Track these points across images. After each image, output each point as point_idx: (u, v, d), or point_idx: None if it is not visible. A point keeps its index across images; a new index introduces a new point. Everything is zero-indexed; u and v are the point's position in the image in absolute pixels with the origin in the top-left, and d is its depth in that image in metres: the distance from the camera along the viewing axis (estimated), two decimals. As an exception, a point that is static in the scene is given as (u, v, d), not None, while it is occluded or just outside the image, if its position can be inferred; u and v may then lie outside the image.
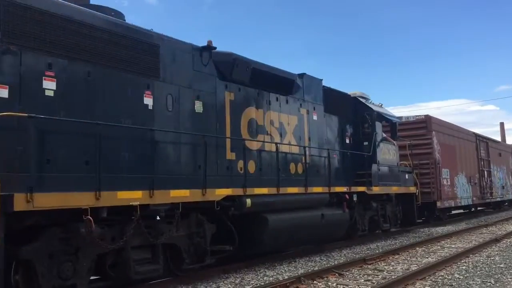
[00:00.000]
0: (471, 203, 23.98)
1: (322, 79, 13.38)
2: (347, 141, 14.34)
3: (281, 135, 11.37)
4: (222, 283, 8.66)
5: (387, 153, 15.32)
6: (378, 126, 15.02)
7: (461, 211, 26.14)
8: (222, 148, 9.58)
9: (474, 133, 25.79)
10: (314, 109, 12.87)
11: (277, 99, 11.40)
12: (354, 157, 14.17)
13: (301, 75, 12.57)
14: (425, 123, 19.79)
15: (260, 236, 9.77)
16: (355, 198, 13.28)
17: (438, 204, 19.51)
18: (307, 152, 12.22)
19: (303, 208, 11.14)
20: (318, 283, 8.49)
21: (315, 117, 12.87)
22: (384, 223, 15.43)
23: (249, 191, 9.41)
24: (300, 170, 11.87)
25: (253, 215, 9.72)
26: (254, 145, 10.48)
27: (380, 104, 16.02)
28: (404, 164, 17.76)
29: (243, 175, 9.80)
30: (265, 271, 9.76)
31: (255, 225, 9.78)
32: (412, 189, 16.80)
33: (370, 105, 15.03)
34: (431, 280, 8.61)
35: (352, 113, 14.81)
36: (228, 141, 9.70)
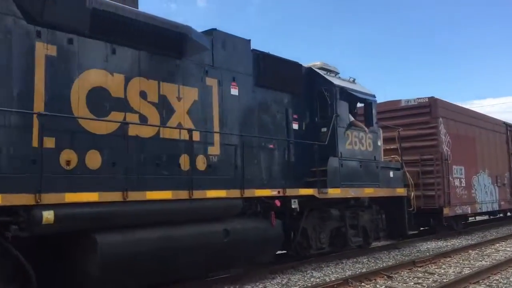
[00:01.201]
0: (497, 209, 19.40)
1: (250, 40, 9.66)
2: (295, 126, 10.52)
3: (162, 115, 7.75)
4: (268, 283, 8.65)
5: (358, 144, 11.37)
6: (343, 106, 11.10)
7: (486, 217, 21.55)
8: (22, 129, 6.05)
9: (504, 122, 21.12)
10: (234, 80, 9.16)
11: (151, 60, 7.78)
12: (304, 148, 10.34)
13: (209, 32, 8.92)
14: (429, 108, 15.53)
15: (83, 271, 6.16)
16: (294, 205, 9.45)
17: (446, 211, 15.25)
18: (215, 140, 8.59)
19: (189, 222, 7.47)
20: (366, 285, 8.30)
21: (234, 92, 9.15)
22: (356, 236, 11.49)
23: (50, 198, 5.80)
24: (201, 166, 8.21)
25: (72, 235, 6.14)
26: (102, 128, 6.91)
27: (351, 79, 12.07)
28: (396, 159, 13.71)
29: (63, 173, 6.29)
30: (312, 272, 9.65)
31: (74, 253, 6.20)
32: (400, 191, 12.72)
33: (330, 78, 11.13)
34: (485, 284, 8.28)
35: (306, 89, 10.97)
36: (36, 119, 6.16)
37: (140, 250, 6.64)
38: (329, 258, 11.06)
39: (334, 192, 10.33)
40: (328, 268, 10.13)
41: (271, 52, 10.06)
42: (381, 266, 10.09)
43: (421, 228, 16.63)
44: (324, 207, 10.52)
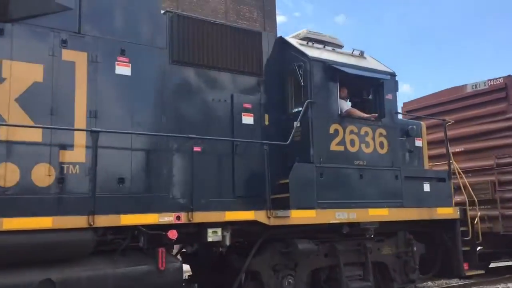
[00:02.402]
0: None
1: (159, -3, 6.75)
2: (248, 120, 7.25)
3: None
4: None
5: (358, 143, 7.67)
6: (327, 88, 7.54)
7: None
8: None
9: None
10: (124, 53, 6.27)
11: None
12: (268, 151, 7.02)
13: (78, -16, 6.18)
14: (505, 91, 10.99)
15: None
16: (213, 238, 6.17)
17: (540, 238, 10.58)
18: (78, 140, 5.76)
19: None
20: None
21: (123, 70, 6.26)
22: (364, 280, 7.75)
23: None
24: (42, 180, 5.46)
25: None
26: None
27: (357, 52, 8.41)
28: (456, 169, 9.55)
29: None
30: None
31: None
32: (445, 212, 8.63)
33: (304, 48, 7.65)
34: None
35: (273, 67, 7.67)
36: None
37: None
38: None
39: (302, 216, 6.85)
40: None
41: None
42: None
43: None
44: (290, 238, 7.06)
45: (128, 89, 6.25)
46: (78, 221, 5.23)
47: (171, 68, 6.65)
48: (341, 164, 7.42)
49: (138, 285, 5.51)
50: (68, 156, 5.68)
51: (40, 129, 5.50)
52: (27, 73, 5.56)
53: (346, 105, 7.83)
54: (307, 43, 7.90)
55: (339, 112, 7.56)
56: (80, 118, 5.84)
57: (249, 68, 7.36)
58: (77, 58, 5.93)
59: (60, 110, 5.72)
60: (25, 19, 5.45)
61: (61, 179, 5.58)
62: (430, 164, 9.83)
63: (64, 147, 5.66)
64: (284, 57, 7.70)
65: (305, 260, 7.26)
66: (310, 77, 7.34)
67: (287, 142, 6.95)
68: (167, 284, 5.68)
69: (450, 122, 9.58)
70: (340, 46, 8.48)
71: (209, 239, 6.11)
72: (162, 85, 6.54)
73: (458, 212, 8.84)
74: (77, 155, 5.74)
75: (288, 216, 6.71)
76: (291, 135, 6.99)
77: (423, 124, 9.46)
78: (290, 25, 61.46)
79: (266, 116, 7.46)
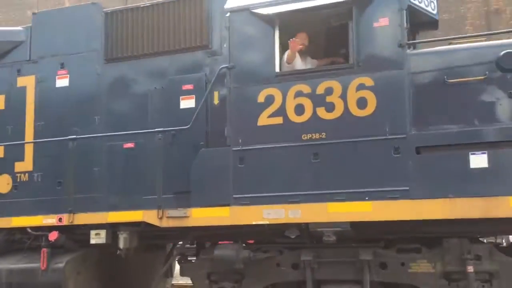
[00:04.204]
0: None
1: (97, 3, 6.93)
2: (188, 103, 6.23)
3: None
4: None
5: (309, 108, 5.23)
6: (258, 42, 5.56)
7: None
8: None
9: None
10: (63, 66, 6.89)
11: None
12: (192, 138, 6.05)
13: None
14: None
15: None
16: (96, 240, 5.81)
17: None
18: (27, 152, 6.95)
19: None
20: None
21: (62, 83, 6.89)
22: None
23: None
24: (4, 188, 6.98)
25: None
26: None
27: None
28: None
29: None
30: None
31: None
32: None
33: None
34: None
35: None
36: None
37: None
38: None
39: (208, 216, 5.46)
40: None
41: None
42: None
43: None
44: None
45: (66, 99, 6.79)
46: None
47: (105, 68, 6.68)
48: (275, 142, 5.35)
49: (25, 281, 6.08)
50: (20, 166, 6.83)
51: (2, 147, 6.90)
52: (-5, 103, 7.10)
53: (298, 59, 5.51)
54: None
55: (276, 70, 5.44)
56: (29, 134, 6.89)
57: (191, 43, 6.33)
58: (28, 82, 6.99)
59: (16, 129, 6.94)
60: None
61: (15, 186, 6.81)
62: None
63: (18, 159, 6.85)
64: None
65: (253, 270, 5.64)
66: (229, 36, 5.67)
67: (188, 126, 5.68)
68: (46, 283, 5.96)
69: None
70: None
71: (92, 241, 5.91)
72: (96, 86, 6.70)
73: None
74: (26, 165, 6.81)
75: (187, 216, 5.53)
76: (194, 116, 5.67)
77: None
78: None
79: (216, 94, 6.19)
